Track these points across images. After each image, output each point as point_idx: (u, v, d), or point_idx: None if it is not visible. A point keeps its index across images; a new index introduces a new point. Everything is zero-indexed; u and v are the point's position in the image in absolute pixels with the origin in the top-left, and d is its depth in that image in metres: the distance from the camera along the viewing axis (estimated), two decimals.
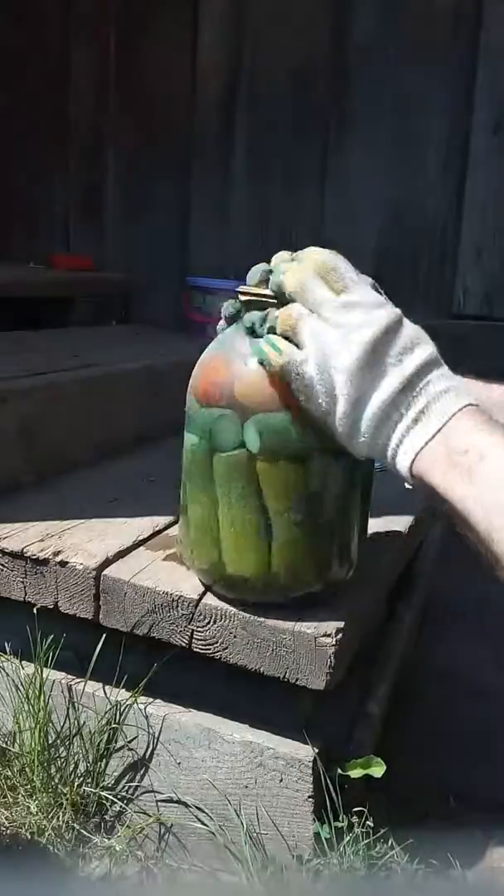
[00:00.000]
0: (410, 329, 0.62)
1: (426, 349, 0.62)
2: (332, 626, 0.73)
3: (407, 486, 0.61)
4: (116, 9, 2.43)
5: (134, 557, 0.86)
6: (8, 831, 0.79)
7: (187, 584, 0.79)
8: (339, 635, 0.72)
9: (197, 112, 2.37)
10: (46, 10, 2.52)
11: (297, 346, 0.64)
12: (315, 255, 0.66)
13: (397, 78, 2.12)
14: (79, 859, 0.78)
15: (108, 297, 2.37)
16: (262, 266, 0.70)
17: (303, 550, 0.72)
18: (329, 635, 0.72)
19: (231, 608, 0.75)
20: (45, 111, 2.54)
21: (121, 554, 0.86)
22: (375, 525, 0.94)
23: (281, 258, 0.69)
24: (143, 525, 0.96)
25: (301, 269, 0.65)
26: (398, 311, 0.63)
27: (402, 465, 0.60)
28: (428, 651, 1.17)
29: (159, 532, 0.95)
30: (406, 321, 0.63)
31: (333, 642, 0.72)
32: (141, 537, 0.92)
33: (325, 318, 0.63)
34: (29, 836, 0.79)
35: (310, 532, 0.71)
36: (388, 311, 0.62)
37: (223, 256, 2.29)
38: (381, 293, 0.67)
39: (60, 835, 0.79)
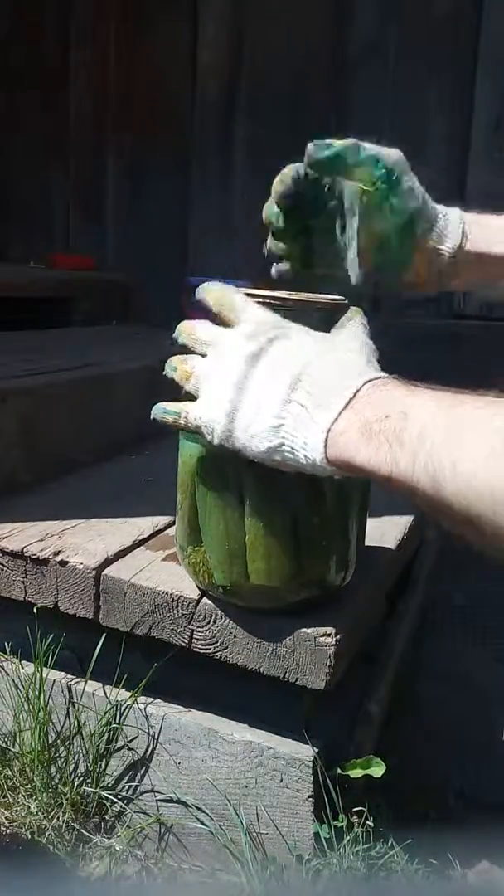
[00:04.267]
0: (302, 334, 0.60)
1: (319, 345, 0.59)
2: (331, 626, 0.73)
3: (336, 476, 0.56)
4: (116, 8, 2.43)
5: (134, 557, 0.86)
6: (8, 831, 0.79)
7: (187, 584, 0.79)
8: (339, 635, 0.72)
9: (197, 112, 2.37)
10: (46, 9, 2.52)
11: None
12: (209, 295, 0.65)
13: (397, 78, 2.12)
14: (79, 859, 0.78)
15: (108, 297, 2.37)
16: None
17: (320, 553, 0.72)
18: (329, 635, 0.72)
19: (231, 608, 0.75)
20: (45, 111, 2.54)
21: (121, 554, 0.86)
22: (374, 525, 0.94)
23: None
24: (143, 525, 0.96)
25: (187, 323, 0.66)
26: (284, 325, 0.61)
27: (316, 456, 0.54)
28: (427, 651, 1.16)
29: (159, 532, 0.95)
30: (299, 329, 0.61)
31: (333, 642, 0.72)
32: (141, 537, 0.92)
33: (213, 356, 0.62)
34: (29, 836, 0.79)
35: (316, 535, 0.71)
36: (271, 326, 0.61)
37: (223, 256, 2.29)
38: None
39: (60, 835, 0.79)
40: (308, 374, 0.56)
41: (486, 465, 0.43)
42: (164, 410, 0.66)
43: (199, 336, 0.64)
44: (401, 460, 0.48)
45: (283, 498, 0.68)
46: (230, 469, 0.68)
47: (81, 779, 0.83)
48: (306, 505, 0.69)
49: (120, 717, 0.82)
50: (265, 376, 0.58)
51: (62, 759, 0.85)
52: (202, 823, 0.79)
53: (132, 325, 2.35)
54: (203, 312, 0.66)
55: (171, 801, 0.81)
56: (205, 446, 0.68)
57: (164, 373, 0.66)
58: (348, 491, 0.72)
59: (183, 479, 0.73)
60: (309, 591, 0.73)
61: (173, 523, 0.96)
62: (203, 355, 0.63)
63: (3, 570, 0.87)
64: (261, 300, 0.68)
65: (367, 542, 0.83)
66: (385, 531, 0.99)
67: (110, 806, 0.82)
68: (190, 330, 0.65)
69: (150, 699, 0.82)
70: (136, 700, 0.82)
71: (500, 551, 0.44)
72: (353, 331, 0.63)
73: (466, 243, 0.76)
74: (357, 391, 0.53)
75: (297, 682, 0.73)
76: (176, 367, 0.65)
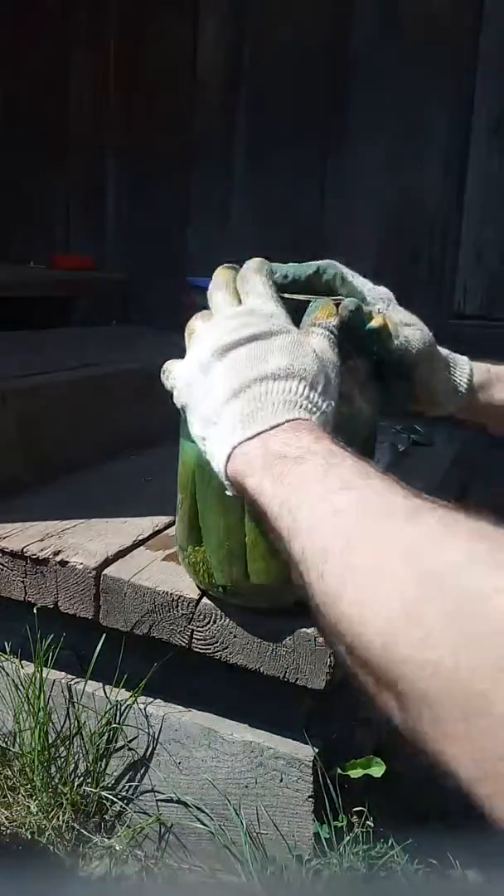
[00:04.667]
0: (280, 342, 0.60)
1: (280, 362, 0.59)
2: None
3: (228, 492, 0.58)
4: (116, 9, 2.43)
5: (134, 557, 0.86)
6: (8, 831, 0.79)
7: (187, 584, 0.79)
8: None
9: (197, 112, 2.38)
10: (47, 9, 2.52)
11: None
12: (248, 262, 0.67)
13: (397, 78, 2.12)
14: (79, 859, 0.78)
15: (108, 297, 2.37)
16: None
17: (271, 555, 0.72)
18: None
19: (231, 608, 0.75)
20: (46, 111, 2.54)
21: (121, 554, 0.86)
22: None
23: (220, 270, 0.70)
24: (143, 525, 0.96)
25: (219, 278, 0.67)
26: (277, 325, 0.61)
27: (219, 463, 0.57)
28: None
29: (159, 532, 0.95)
30: (283, 335, 0.60)
31: None
32: (141, 537, 0.92)
33: (212, 323, 0.64)
34: (29, 836, 0.79)
35: (203, 522, 0.72)
36: (261, 321, 0.61)
37: (223, 256, 2.29)
38: (358, 314, 0.66)
39: (60, 835, 0.79)
40: (252, 390, 0.58)
41: (331, 528, 0.44)
42: (164, 368, 0.67)
43: (214, 298, 0.66)
44: (275, 499, 0.50)
45: None
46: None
47: (81, 779, 0.83)
48: None
49: (120, 717, 0.82)
50: (224, 371, 0.60)
51: (62, 759, 0.85)
52: (202, 823, 0.79)
53: (132, 326, 2.35)
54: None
55: (171, 801, 0.81)
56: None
57: None
58: None
59: (183, 480, 0.73)
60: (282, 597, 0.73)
61: (173, 523, 0.96)
62: (210, 318, 0.65)
63: (3, 570, 0.87)
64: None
65: None
66: None
67: (110, 806, 0.82)
68: (214, 284, 0.67)
69: (150, 699, 0.82)
70: (136, 700, 0.82)
71: (321, 623, 0.44)
72: (318, 346, 0.62)
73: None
74: (276, 425, 0.55)
75: (297, 682, 0.73)
76: (196, 316, 0.66)
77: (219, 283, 0.67)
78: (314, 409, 0.58)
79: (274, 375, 0.58)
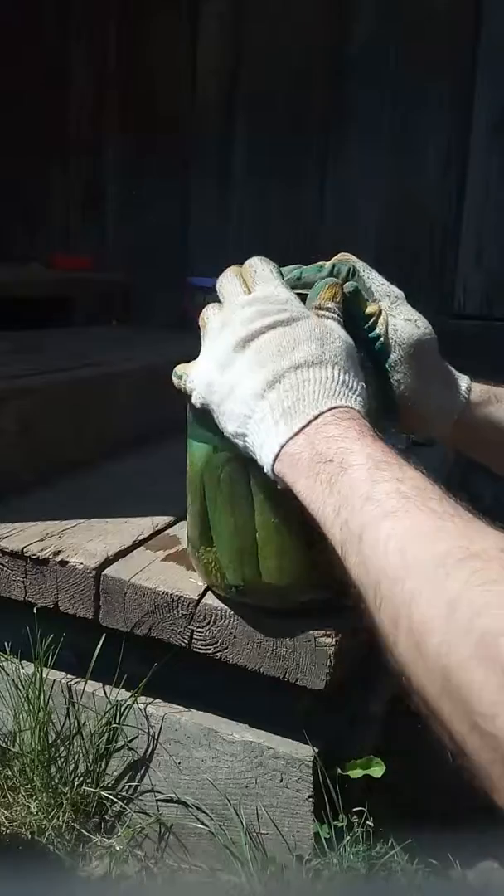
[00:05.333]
0: (302, 329, 0.59)
1: (311, 349, 0.58)
2: (332, 626, 0.73)
3: (279, 486, 0.57)
4: (116, 8, 2.43)
5: (134, 557, 0.86)
6: (8, 831, 0.79)
7: (187, 584, 0.79)
8: (340, 636, 0.72)
9: (197, 112, 2.38)
10: (46, 9, 2.52)
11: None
12: (252, 259, 0.66)
13: (397, 78, 2.12)
14: (79, 859, 0.78)
15: (108, 297, 2.38)
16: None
17: (289, 552, 0.71)
18: (329, 635, 0.72)
19: (231, 608, 0.75)
20: (45, 111, 2.54)
21: (121, 554, 0.86)
22: None
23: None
24: (143, 525, 0.96)
25: (230, 269, 0.66)
26: (296, 311, 0.60)
27: (266, 463, 0.56)
28: None
29: (159, 532, 0.95)
30: (303, 321, 0.60)
31: (333, 642, 0.72)
32: (141, 537, 0.92)
33: (224, 314, 0.63)
34: (29, 836, 0.79)
35: (285, 531, 0.71)
36: (279, 309, 0.60)
37: (223, 256, 2.29)
38: (356, 298, 0.66)
39: (60, 835, 0.79)
40: (288, 379, 0.57)
41: (382, 556, 0.44)
42: (175, 372, 0.67)
43: (224, 288, 0.65)
44: (327, 508, 0.50)
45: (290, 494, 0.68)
46: (238, 466, 0.67)
47: (81, 779, 0.83)
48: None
49: (120, 717, 0.82)
50: (247, 363, 0.59)
51: (62, 759, 0.85)
52: (202, 823, 0.79)
53: (132, 325, 2.35)
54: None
55: (171, 801, 0.81)
56: (212, 445, 0.68)
57: None
58: None
59: (192, 480, 0.72)
60: (319, 591, 0.72)
61: (173, 523, 0.96)
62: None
63: (3, 570, 0.87)
64: None
65: None
66: None
67: (110, 806, 0.82)
68: (223, 276, 0.66)
69: (150, 699, 0.82)
70: (136, 700, 0.82)
71: (380, 639, 0.44)
72: (335, 328, 0.61)
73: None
74: (318, 415, 0.54)
75: (298, 683, 0.73)
76: (203, 312, 0.66)
77: (227, 274, 0.66)
78: (350, 393, 0.57)
79: (307, 363, 0.57)
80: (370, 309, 0.68)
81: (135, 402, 1.38)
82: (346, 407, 0.55)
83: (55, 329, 2.00)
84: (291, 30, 2.23)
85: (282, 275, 0.66)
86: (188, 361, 0.74)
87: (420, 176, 2.14)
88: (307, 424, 0.54)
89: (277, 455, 0.55)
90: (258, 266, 0.65)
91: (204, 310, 0.66)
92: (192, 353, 0.75)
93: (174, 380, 0.67)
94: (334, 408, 0.55)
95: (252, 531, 0.69)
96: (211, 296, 0.69)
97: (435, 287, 2.16)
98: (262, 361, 0.58)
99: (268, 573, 0.70)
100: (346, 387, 0.57)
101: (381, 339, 0.68)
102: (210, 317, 0.64)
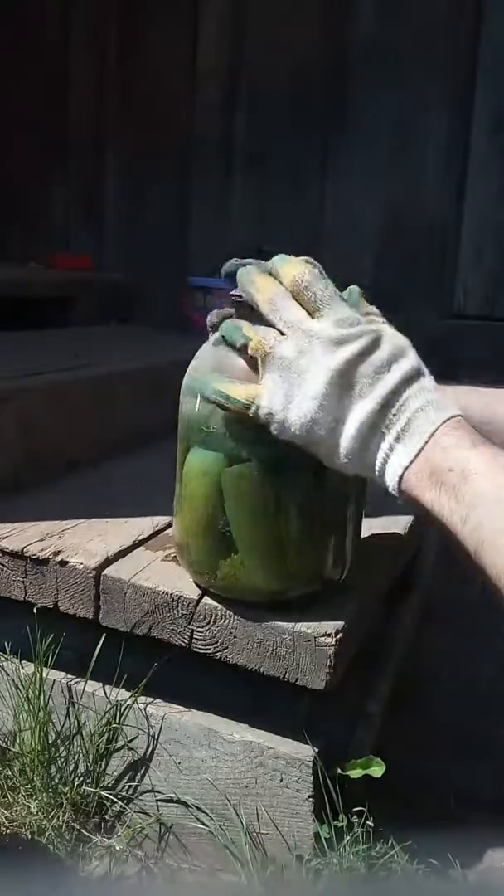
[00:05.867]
0: (388, 345, 0.60)
1: (404, 365, 0.60)
2: (331, 626, 0.73)
3: (399, 502, 0.61)
4: (116, 8, 2.43)
5: (134, 557, 0.86)
6: (8, 831, 0.79)
7: (187, 584, 0.79)
8: (339, 635, 0.72)
9: (197, 112, 2.38)
10: (46, 9, 2.52)
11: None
12: (289, 270, 0.63)
13: (397, 78, 2.12)
14: (79, 859, 0.78)
15: (108, 297, 2.37)
16: (234, 261, 0.68)
17: (309, 551, 0.73)
18: (329, 635, 0.72)
19: (231, 608, 0.75)
20: (45, 111, 2.54)
21: (121, 554, 0.86)
22: (375, 525, 0.94)
23: (252, 269, 0.66)
24: (143, 525, 0.96)
25: (272, 286, 0.63)
26: (374, 328, 0.61)
27: (391, 484, 0.60)
28: (428, 651, 1.16)
29: (159, 532, 0.95)
30: (385, 336, 0.61)
31: (333, 642, 0.72)
32: (141, 537, 0.92)
33: (296, 343, 0.61)
34: (29, 836, 0.79)
35: (309, 532, 0.71)
36: (361, 332, 0.60)
37: (223, 256, 2.29)
38: (361, 305, 0.66)
39: (60, 835, 0.79)
40: (393, 404, 0.59)
41: None
42: (226, 396, 0.64)
43: (283, 313, 0.62)
44: (455, 515, 0.54)
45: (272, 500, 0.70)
46: (262, 472, 0.69)
47: (81, 779, 0.83)
48: (315, 495, 0.71)
49: (120, 717, 0.82)
50: (349, 395, 0.60)
51: (62, 759, 0.85)
52: (202, 823, 0.79)
53: (132, 325, 2.35)
54: (203, 313, 0.66)
55: (171, 801, 0.81)
56: (233, 454, 0.68)
57: (224, 333, 0.65)
58: (341, 490, 0.72)
59: (204, 493, 0.71)
60: (310, 586, 0.75)
61: (173, 523, 0.96)
62: (281, 333, 0.62)
63: (3, 570, 0.87)
64: None
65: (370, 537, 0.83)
66: (386, 530, 0.99)
67: (110, 806, 0.82)
68: (271, 296, 0.63)
69: (150, 699, 0.82)
70: (136, 700, 0.82)
71: None
72: (396, 334, 0.63)
73: None
74: (434, 431, 0.57)
75: (297, 682, 0.73)
76: (247, 335, 0.63)
77: (273, 291, 0.63)
78: (443, 395, 0.60)
79: (405, 380, 0.60)
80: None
81: (135, 402, 1.38)
82: (453, 417, 0.58)
83: (55, 329, 2.00)
84: (291, 30, 2.22)
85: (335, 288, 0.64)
86: (187, 361, 0.74)
87: (420, 176, 2.14)
88: (425, 443, 0.57)
89: (402, 476, 0.58)
90: (316, 286, 0.62)
91: (264, 338, 0.62)
92: (192, 352, 0.76)
93: (230, 404, 0.64)
94: (444, 421, 0.58)
95: (280, 535, 0.71)
96: (211, 296, 0.69)
97: (435, 287, 2.16)
98: (363, 391, 0.60)
99: (296, 571, 0.72)
100: (439, 391, 0.60)
101: None
102: (276, 345, 0.62)
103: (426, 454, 0.57)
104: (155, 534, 0.94)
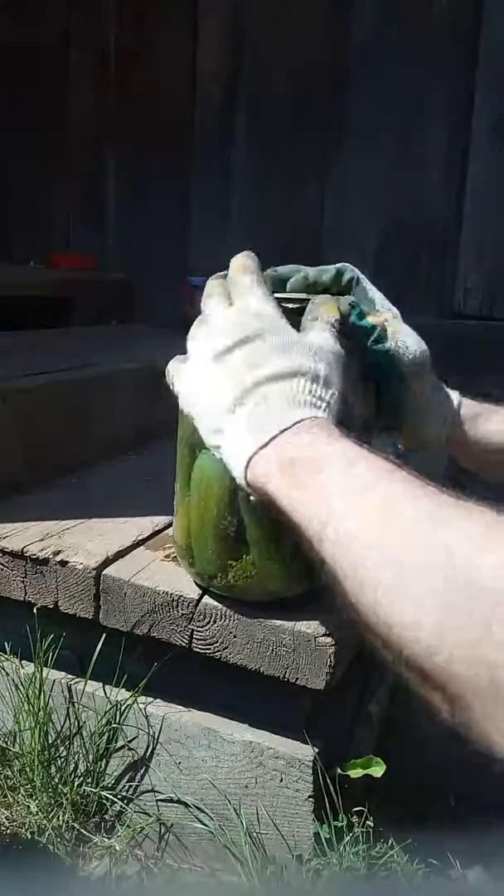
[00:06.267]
0: (272, 341, 0.60)
1: (280, 362, 0.59)
2: (331, 625, 0.73)
3: (251, 498, 0.58)
4: (116, 9, 2.43)
5: (134, 557, 0.86)
6: (8, 831, 0.79)
7: (187, 584, 0.79)
8: (339, 635, 0.72)
9: (197, 112, 2.38)
10: (46, 9, 2.52)
11: None
12: (233, 263, 0.67)
13: (397, 78, 2.12)
14: (79, 859, 0.78)
15: (109, 297, 2.38)
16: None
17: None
18: (329, 635, 0.72)
19: (231, 608, 0.75)
20: (45, 111, 2.54)
21: (121, 553, 0.86)
22: None
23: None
24: (143, 525, 0.96)
25: (218, 286, 0.67)
26: (265, 324, 0.61)
27: (238, 475, 0.58)
28: None
29: (159, 532, 0.95)
30: (274, 334, 0.61)
31: (333, 642, 0.72)
32: (141, 537, 0.92)
33: (200, 327, 0.65)
34: (29, 836, 0.79)
35: (260, 531, 0.71)
36: (249, 323, 0.61)
37: (223, 256, 2.29)
38: (319, 310, 0.65)
39: (60, 834, 0.79)
40: (253, 395, 0.58)
41: (359, 523, 0.46)
42: (168, 371, 0.68)
43: (208, 299, 0.66)
44: (302, 502, 0.51)
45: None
46: None
47: (81, 779, 0.83)
48: None
49: (120, 717, 0.82)
50: (221, 378, 0.60)
51: (62, 759, 0.85)
52: (202, 823, 0.79)
53: (132, 325, 2.35)
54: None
55: (171, 801, 0.81)
56: None
57: None
58: None
59: (216, 497, 0.71)
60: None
61: (173, 523, 0.96)
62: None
63: (3, 570, 0.87)
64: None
65: None
66: None
67: (110, 806, 0.82)
68: (206, 293, 0.67)
69: (150, 699, 0.82)
70: (136, 700, 0.82)
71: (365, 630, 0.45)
72: (316, 340, 0.62)
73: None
74: (286, 428, 0.55)
75: (297, 682, 0.73)
76: (198, 318, 0.67)
77: (210, 288, 0.67)
78: (319, 402, 0.58)
79: (273, 377, 0.58)
80: (373, 319, 0.69)
81: (135, 402, 1.38)
82: (313, 418, 0.56)
83: (55, 329, 2.00)
84: (291, 30, 2.22)
85: (265, 282, 0.65)
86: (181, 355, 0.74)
87: (420, 176, 2.14)
88: (275, 436, 0.56)
89: (248, 465, 0.56)
90: (239, 279, 0.65)
91: (194, 324, 0.66)
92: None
93: (168, 378, 0.68)
94: (302, 420, 0.56)
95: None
96: None
97: (435, 287, 2.16)
98: (231, 376, 0.60)
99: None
100: (314, 395, 0.58)
101: (390, 351, 0.69)
102: (194, 331, 0.65)
103: (275, 447, 0.55)
104: (155, 534, 0.94)
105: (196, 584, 0.79)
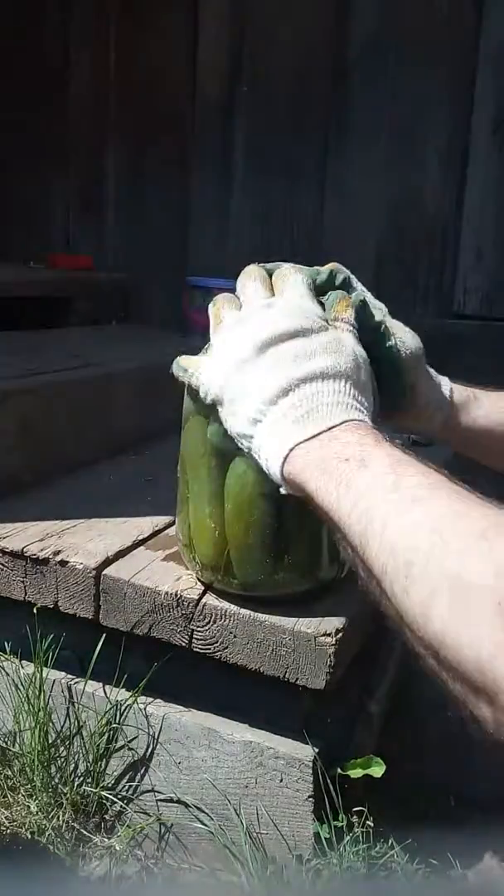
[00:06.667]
0: (320, 340, 0.60)
1: (327, 361, 0.59)
2: (331, 625, 0.73)
3: (282, 490, 0.58)
4: (116, 8, 2.43)
5: (134, 557, 0.86)
6: (8, 831, 0.79)
7: (187, 583, 0.79)
8: (339, 635, 0.72)
9: (197, 112, 2.37)
10: (46, 9, 2.52)
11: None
12: (284, 266, 0.66)
13: (397, 78, 2.12)
14: (79, 859, 0.78)
15: (108, 297, 2.37)
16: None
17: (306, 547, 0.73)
18: (329, 635, 0.72)
19: (231, 608, 0.75)
20: (45, 111, 2.54)
21: (121, 553, 0.86)
22: None
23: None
24: (143, 525, 0.96)
25: (257, 271, 0.66)
26: (315, 321, 0.61)
27: (274, 465, 0.57)
28: None
29: (159, 532, 0.95)
30: (322, 334, 0.60)
31: (333, 642, 0.72)
32: (141, 537, 0.92)
33: (242, 312, 0.64)
34: (29, 836, 0.79)
35: (303, 528, 0.72)
36: (300, 317, 0.61)
37: (223, 256, 2.29)
38: (336, 309, 0.65)
39: (60, 835, 0.79)
40: (303, 389, 0.58)
41: (412, 538, 0.44)
42: (178, 366, 0.67)
43: (246, 290, 0.65)
44: (343, 501, 0.50)
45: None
46: None
47: (81, 779, 0.83)
48: None
49: (120, 716, 0.82)
50: (265, 367, 0.59)
51: (62, 759, 0.85)
52: (202, 823, 0.79)
53: (132, 325, 2.35)
54: (203, 313, 0.67)
55: (171, 801, 0.81)
56: None
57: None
58: None
59: (260, 503, 0.70)
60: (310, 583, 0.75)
61: (173, 523, 0.96)
62: (239, 308, 0.65)
63: (3, 570, 0.87)
64: None
65: None
66: None
67: (110, 806, 0.82)
68: (245, 280, 0.66)
69: (150, 699, 0.82)
70: (136, 700, 0.82)
71: (406, 630, 0.44)
72: (349, 343, 0.62)
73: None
74: (334, 426, 0.55)
75: (297, 682, 0.73)
76: (216, 303, 0.66)
77: (251, 273, 0.66)
78: (362, 408, 0.58)
79: (323, 375, 0.58)
80: (378, 317, 0.70)
81: (135, 402, 1.38)
82: (359, 420, 0.56)
83: (55, 329, 2.00)
84: (291, 30, 2.22)
85: (312, 287, 0.65)
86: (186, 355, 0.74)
87: (420, 176, 2.14)
88: (322, 432, 0.55)
89: (287, 456, 0.56)
90: (290, 273, 0.65)
91: (218, 302, 0.65)
92: (192, 352, 0.76)
93: (178, 373, 0.67)
94: (349, 421, 0.56)
95: (320, 532, 0.72)
96: (210, 297, 0.69)
97: (435, 287, 2.16)
98: (279, 367, 0.59)
99: (327, 567, 0.74)
100: (357, 400, 0.58)
101: (393, 348, 0.69)
102: (226, 313, 0.64)
103: (321, 441, 0.54)
104: (155, 534, 0.94)
105: (198, 579, 0.79)
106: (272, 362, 0.59)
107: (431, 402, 0.73)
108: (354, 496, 0.49)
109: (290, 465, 0.55)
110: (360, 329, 0.65)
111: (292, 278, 0.64)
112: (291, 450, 0.55)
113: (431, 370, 0.74)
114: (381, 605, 0.46)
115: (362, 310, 0.67)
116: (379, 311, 0.72)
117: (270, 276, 0.67)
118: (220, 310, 0.65)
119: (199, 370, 0.64)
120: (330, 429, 0.55)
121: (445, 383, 0.74)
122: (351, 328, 0.63)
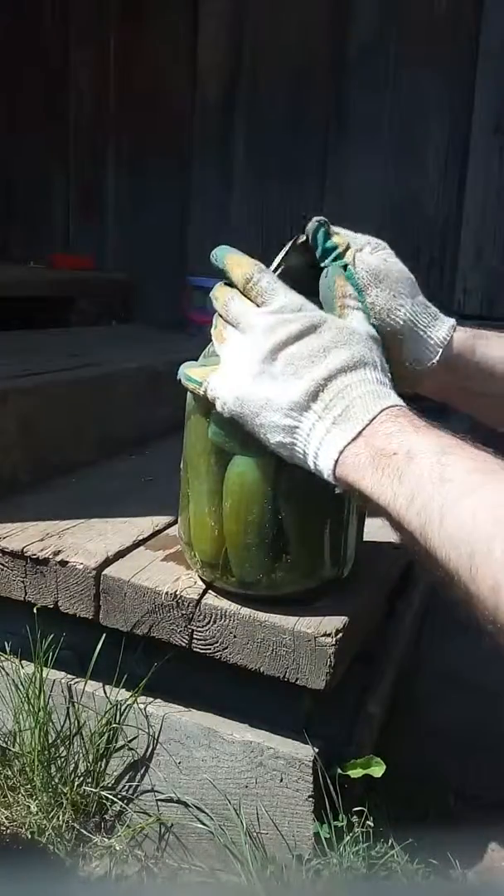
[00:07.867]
0: (329, 332, 0.60)
1: (343, 353, 0.59)
2: (332, 625, 0.73)
3: (337, 491, 0.59)
4: (116, 8, 2.43)
5: (134, 557, 0.86)
6: (8, 831, 0.79)
7: (187, 584, 0.79)
8: (339, 635, 0.72)
9: (197, 111, 2.37)
10: (46, 9, 2.52)
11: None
12: (237, 271, 0.66)
13: (397, 78, 2.12)
14: (79, 859, 0.78)
15: (108, 297, 2.37)
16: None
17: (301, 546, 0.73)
18: (329, 635, 0.72)
19: (232, 608, 0.75)
20: (45, 111, 2.54)
21: (121, 553, 0.86)
22: (375, 523, 0.94)
23: (217, 285, 0.70)
24: (143, 525, 0.96)
25: (225, 291, 0.67)
26: (315, 315, 0.61)
27: (325, 469, 0.58)
28: (428, 650, 1.16)
29: (159, 532, 0.95)
30: (327, 323, 0.61)
31: (333, 642, 0.72)
32: (141, 537, 0.92)
33: (241, 330, 0.64)
34: (29, 836, 0.79)
35: (302, 528, 0.72)
36: (299, 317, 0.61)
37: None
38: (337, 288, 0.65)
39: (60, 835, 0.79)
40: (331, 388, 0.58)
41: (471, 528, 0.46)
42: (187, 377, 0.67)
43: (231, 310, 0.65)
44: (399, 497, 0.52)
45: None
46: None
47: (81, 779, 0.83)
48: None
49: (120, 716, 0.82)
50: (281, 375, 0.59)
51: (62, 759, 0.85)
52: (202, 823, 0.79)
53: (132, 325, 2.35)
54: (203, 313, 0.67)
55: (171, 800, 0.81)
56: (267, 455, 0.67)
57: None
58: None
59: (260, 500, 0.70)
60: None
61: (173, 523, 0.96)
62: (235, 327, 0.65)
63: (3, 570, 0.87)
64: None
65: (370, 540, 0.83)
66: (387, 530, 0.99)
67: (110, 806, 0.82)
68: (224, 301, 0.66)
69: (150, 699, 0.82)
70: (136, 700, 0.82)
71: (478, 613, 0.47)
72: (359, 327, 0.62)
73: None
74: (374, 418, 0.56)
75: (297, 682, 0.73)
76: (216, 325, 0.67)
77: (224, 293, 0.66)
78: (389, 389, 0.59)
79: (345, 368, 0.58)
80: (336, 240, 0.70)
81: (135, 402, 1.38)
82: (395, 406, 0.57)
83: (55, 329, 2.00)
84: (291, 30, 2.22)
85: (282, 279, 0.65)
86: (189, 361, 0.74)
87: (420, 176, 2.14)
88: (364, 428, 0.56)
89: (337, 461, 0.57)
90: (259, 279, 0.64)
91: (216, 325, 0.66)
92: (192, 352, 0.76)
93: (189, 384, 0.67)
94: (386, 408, 0.56)
95: (326, 529, 0.73)
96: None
97: (434, 287, 2.16)
98: (297, 372, 0.59)
99: (328, 566, 0.75)
100: (383, 384, 0.59)
101: (349, 266, 0.68)
102: (229, 332, 0.65)
103: (366, 439, 0.55)
104: (155, 533, 0.94)
105: (201, 579, 0.79)
106: (288, 368, 0.59)
107: (417, 331, 0.69)
108: (408, 491, 0.51)
109: (340, 468, 0.57)
110: (316, 254, 0.67)
111: (262, 282, 0.64)
112: (341, 452, 0.56)
113: (432, 308, 0.71)
114: (448, 589, 0.48)
115: (317, 232, 0.68)
116: (367, 245, 0.71)
117: (230, 284, 0.67)
118: (222, 330, 0.66)
119: (210, 383, 0.65)
120: (370, 422, 0.56)
121: (447, 321, 0.71)
122: (355, 306, 0.63)
